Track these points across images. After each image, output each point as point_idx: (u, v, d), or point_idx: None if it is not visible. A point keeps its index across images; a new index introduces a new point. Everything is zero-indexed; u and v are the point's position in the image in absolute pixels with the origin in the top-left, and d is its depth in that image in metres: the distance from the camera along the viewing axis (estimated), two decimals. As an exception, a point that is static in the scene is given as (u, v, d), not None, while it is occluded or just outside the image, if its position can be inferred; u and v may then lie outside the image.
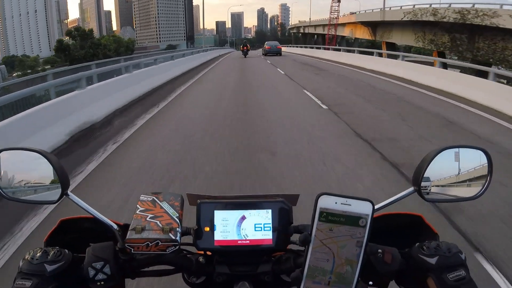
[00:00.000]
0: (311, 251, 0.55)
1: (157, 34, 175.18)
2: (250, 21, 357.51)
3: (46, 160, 0.70)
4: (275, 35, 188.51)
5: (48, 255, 0.65)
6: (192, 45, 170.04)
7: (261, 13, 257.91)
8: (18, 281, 0.61)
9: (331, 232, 0.55)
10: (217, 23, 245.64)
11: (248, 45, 33.57)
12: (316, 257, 0.55)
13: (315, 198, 0.55)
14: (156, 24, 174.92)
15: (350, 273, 0.56)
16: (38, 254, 0.65)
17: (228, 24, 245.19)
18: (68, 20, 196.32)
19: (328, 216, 0.55)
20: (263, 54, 34.96)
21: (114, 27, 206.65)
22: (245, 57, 30.71)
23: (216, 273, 0.73)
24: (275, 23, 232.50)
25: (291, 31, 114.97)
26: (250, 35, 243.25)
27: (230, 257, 0.74)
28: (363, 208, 0.55)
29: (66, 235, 0.78)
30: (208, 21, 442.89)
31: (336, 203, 0.55)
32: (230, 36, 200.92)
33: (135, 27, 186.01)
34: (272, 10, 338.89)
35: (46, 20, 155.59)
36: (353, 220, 0.55)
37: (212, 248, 0.71)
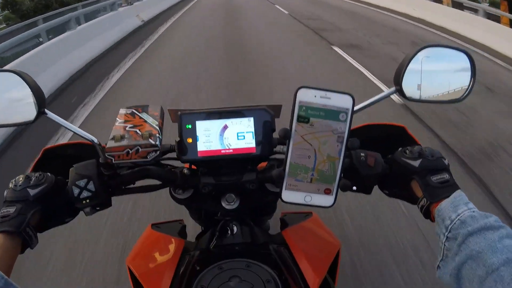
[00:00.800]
0: (291, 147, 0.54)
1: None
2: None
3: (21, 79, 0.68)
4: None
5: (30, 180, 0.65)
6: None
7: None
8: (3, 209, 0.61)
9: (312, 127, 0.54)
10: None
11: None
12: (297, 154, 0.55)
13: (294, 92, 0.53)
14: None
15: (332, 170, 0.56)
16: (20, 181, 0.65)
17: None
18: None
19: (308, 110, 0.53)
20: None
21: None
22: None
23: (202, 184, 0.74)
24: None
25: None
26: None
27: (214, 168, 0.74)
28: (343, 101, 0.54)
29: (51, 163, 0.78)
30: None
31: (315, 96, 0.53)
32: None
33: None
34: None
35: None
36: (333, 114, 0.54)
37: (196, 159, 0.72)
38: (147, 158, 0.66)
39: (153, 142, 0.66)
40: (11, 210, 0.60)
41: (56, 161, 0.79)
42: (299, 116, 0.54)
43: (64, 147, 0.81)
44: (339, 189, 0.57)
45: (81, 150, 0.79)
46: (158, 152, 0.67)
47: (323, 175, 0.56)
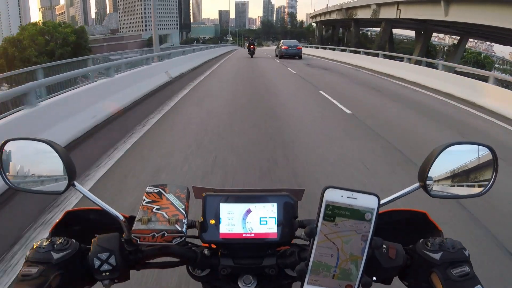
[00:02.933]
0: (315, 246, 0.55)
1: (142, 21, 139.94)
2: (255, 12, 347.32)
3: (53, 150, 0.71)
4: (283, 27, 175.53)
5: (55, 244, 0.66)
6: (188, 34, 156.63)
7: (267, 3, 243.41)
8: (25, 269, 0.61)
9: (336, 227, 0.55)
10: (220, 12, 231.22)
11: (255, 44, 28.95)
12: (320, 252, 0.55)
13: (321, 192, 0.55)
14: (141, 8, 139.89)
15: (354, 269, 0.56)
16: (45, 243, 0.66)
17: (232, 14, 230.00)
18: (59, 5, 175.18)
19: (334, 210, 0.55)
20: (277, 55, 27.67)
21: (93, 15, 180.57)
22: (251, 57, 26.63)
23: (221, 266, 0.74)
24: (281, 15, 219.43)
25: (312, 21, 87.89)
26: (254, 26, 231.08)
27: (235, 250, 0.74)
28: (368, 202, 0.55)
29: (72, 226, 0.79)
30: (210, 11, 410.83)
31: (342, 196, 0.55)
32: (234, 26, 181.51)
33: (119, 12, 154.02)
34: (279, 1, 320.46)
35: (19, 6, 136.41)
36: (358, 214, 0.55)
37: (217, 240, 0.72)
38: (171, 242, 0.67)
39: (179, 229, 0.67)
40: (33, 270, 0.61)
41: (77, 224, 0.80)
42: (325, 215, 0.55)
43: (87, 211, 0.82)
44: (361, 286, 0.56)
45: (103, 217, 0.79)
46: (183, 238, 0.68)
47: (345, 273, 0.56)
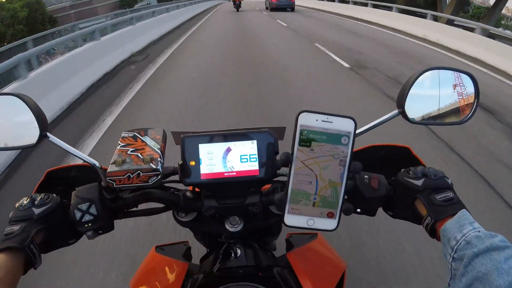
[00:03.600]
0: (293, 173, 0.54)
1: None
2: None
3: (22, 102, 0.68)
4: None
5: (35, 200, 0.65)
6: None
7: None
8: (7, 228, 0.61)
9: (312, 152, 0.53)
10: None
11: None
12: (298, 180, 0.54)
13: (296, 116, 0.53)
14: None
15: (334, 195, 0.55)
16: (25, 201, 0.65)
17: None
18: None
19: (309, 134, 0.53)
20: (267, 7, 24.64)
21: None
22: (238, 10, 24.08)
23: (205, 207, 0.73)
24: None
25: None
26: None
27: (217, 191, 0.74)
28: (345, 125, 0.53)
29: (54, 186, 0.78)
30: None
31: (317, 120, 0.53)
32: None
33: None
34: None
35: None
36: (335, 138, 0.53)
37: (199, 182, 0.71)
38: (148, 182, 0.66)
39: (154, 167, 0.66)
40: (15, 228, 0.60)
41: (59, 183, 0.79)
42: (300, 140, 0.53)
43: (67, 169, 0.81)
44: (342, 213, 0.56)
45: (84, 172, 0.78)
46: (159, 177, 0.66)
47: (325, 200, 0.55)
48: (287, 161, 0.54)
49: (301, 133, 0.53)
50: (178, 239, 0.99)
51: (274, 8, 23.15)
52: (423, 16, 13.42)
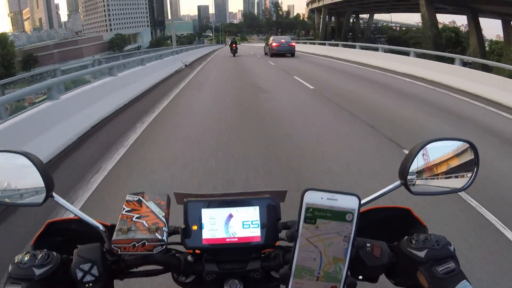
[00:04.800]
0: (297, 250, 0.55)
1: (106, 20, 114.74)
2: (235, 6, 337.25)
3: (30, 162, 0.69)
4: (268, 19, 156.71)
5: (36, 259, 0.64)
6: (163, 32, 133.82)
7: None
8: (8, 286, 0.60)
9: (317, 230, 0.54)
10: (199, 7, 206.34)
11: (236, 42, 27.02)
12: (302, 256, 0.55)
13: (301, 194, 0.54)
14: (104, 5, 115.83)
15: (338, 271, 0.56)
16: (26, 258, 0.64)
17: (212, 10, 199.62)
18: (26, 8, 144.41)
19: (315, 212, 0.54)
20: (266, 53, 24.87)
21: (64, 17, 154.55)
22: (234, 56, 24.83)
23: (206, 272, 0.73)
24: (263, 7, 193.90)
25: (310, 8, 65.21)
26: (235, 20, 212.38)
27: (219, 255, 0.74)
28: (349, 202, 0.55)
29: (54, 237, 0.78)
30: (189, 8, 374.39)
31: (322, 198, 0.54)
32: (214, 22, 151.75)
33: (80, 12, 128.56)
34: None
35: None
36: (339, 215, 0.54)
37: (201, 246, 0.71)
38: (152, 251, 0.66)
39: (159, 237, 0.66)
40: None
41: (59, 235, 0.79)
42: (306, 218, 0.55)
43: (68, 221, 0.81)
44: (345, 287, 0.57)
45: (85, 227, 0.78)
46: (164, 247, 0.67)
47: (329, 275, 0.56)
48: (292, 238, 0.55)
49: (306, 211, 0.54)
50: None
51: (274, 54, 22.99)
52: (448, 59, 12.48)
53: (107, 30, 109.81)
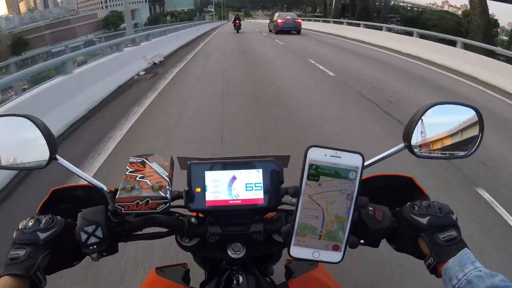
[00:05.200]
0: (300, 207, 0.55)
1: None
2: None
3: (33, 124, 0.69)
4: None
5: (40, 223, 0.65)
6: (162, 8, 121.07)
7: None
8: (12, 251, 0.61)
9: (320, 187, 0.54)
10: None
11: (240, 19, 25.99)
12: (305, 214, 0.55)
13: (305, 151, 0.54)
14: None
15: (340, 230, 0.56)
16: (30, 223, 0.65)
17: None
18: None
19: (318, 169, 0.54)
20: (271, 30, 23.86)
21: None
22: (238, 32, 24.22)
23: (209, 234, 0.74)
24: None
25: None
26: None
27: (222, 218, 0.74)
28: (353, 160, 0.54)
29: (59, 204, 0.79)
30: None
31: (325, 155, 0.54)
32: None
33: None
34: None
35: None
36: (343, 172, 0.54)
37: (204, 208, 0.72)
38: (156, 209, 0.67)
39: (163, 195, 0.66)
40: (21, 253, 0.60)
41: (64, 202, 0.79)
42: (309, 175, 0.54)
43: (73, 188, 0.81)
44: (347, 246, 0.57)
45: (90, 193, 0.79)
46: (167, 204, 0.67)
47: (331, 234, 0.56)
48: (295, 194, 0.55)
49: (310, 167, 0.54)
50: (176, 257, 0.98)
51: (279, 31, 21.79)
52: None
53: (102, 7, 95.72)
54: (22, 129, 0.71)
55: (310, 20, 31.33)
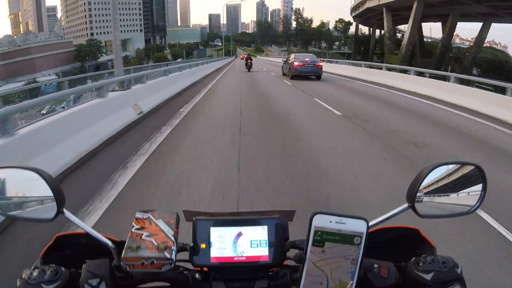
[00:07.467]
0: (305, 274, 0.56)
1: (86, 22, 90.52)
2: (248, 16, 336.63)
3: (41, 178, 0.71)
4: (286, 27, 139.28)
5: (45, 274, 0.65)
6: (163, 39, 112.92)
7: (261, 6, 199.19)
8: None
9: (324, 254, 0.55)
10: (210, 16, 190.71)
11: (251, 58, 26.26)
12: (309, 280, 0.56)
13: (310, 217, 0.55)
14: (84, 3, 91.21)
15: None
16: (35, 274, 0.65)
17: (224, 20, 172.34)
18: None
19: (323, 235, 0.55)
20: (285, 74, 20.12)
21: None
22: (249, 71, 23.75)
23: None
24: (276, 18, 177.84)
25: (355, 18, 51.20)
26: (248, 31, 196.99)
27: (226, 274, 0.74)
28: (357, 226, 0.55)
29: (62, 250, 0.79)
30: (199, 15, 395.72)
31: (330, 221, 0.55)
32: (225, 32, 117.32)
33: (62, 14, 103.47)
34: (273, 4, 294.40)
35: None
36: (348, 238, 0.55)
37: (209, 264, 0.72)
38: (161, 269, 0.67)
39: (168, 256, 0.67)
40: None
41: (68, 250, 0.80)
42: (314, 241, 0.55)
43: (77, 236, 0.82)
44: None
45: (94, 241, 0.79)
46: (172, 265, 0.67)
47: None
48: (300, 260, 0.56)
49: (315, 234, 0.55)
50: None
51: (296, 76, 18.05)
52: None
53: (87, 34, 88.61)
54: (31, 182, 0.72)
55: (331, 62, 27.89)
